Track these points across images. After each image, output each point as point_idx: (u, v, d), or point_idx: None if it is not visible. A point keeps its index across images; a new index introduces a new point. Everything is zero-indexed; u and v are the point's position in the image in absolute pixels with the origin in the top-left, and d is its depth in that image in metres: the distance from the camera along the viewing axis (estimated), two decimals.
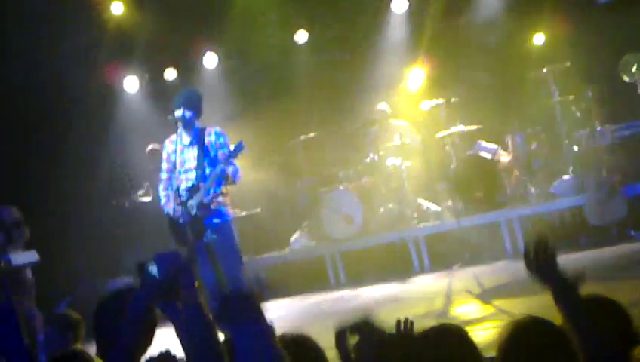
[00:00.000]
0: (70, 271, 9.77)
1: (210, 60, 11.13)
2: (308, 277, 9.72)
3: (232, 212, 7.05)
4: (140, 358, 2.62)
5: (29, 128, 10.10)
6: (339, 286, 9.42)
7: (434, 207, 9.78)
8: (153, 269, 2.29)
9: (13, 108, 9.92)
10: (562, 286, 2.24)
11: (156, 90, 11.17)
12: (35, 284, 8.00)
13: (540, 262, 2.27)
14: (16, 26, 9.69)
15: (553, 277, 2.24)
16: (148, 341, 2.81)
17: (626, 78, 8.34)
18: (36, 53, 9.81)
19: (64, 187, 10.22)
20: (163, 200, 6.98)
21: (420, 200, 9.89)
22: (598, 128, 9.03)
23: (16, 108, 9.95)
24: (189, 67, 11.29)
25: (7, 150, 9.82)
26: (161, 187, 7.04)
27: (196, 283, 2.38)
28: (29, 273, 7.99)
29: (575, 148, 9.39)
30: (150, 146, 9.41)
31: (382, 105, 10.33)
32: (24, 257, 7.93)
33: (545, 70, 9.61)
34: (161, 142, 7.26)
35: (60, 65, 10.00)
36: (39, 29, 9.74)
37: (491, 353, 2.12)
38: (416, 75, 10.79)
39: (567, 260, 2.11)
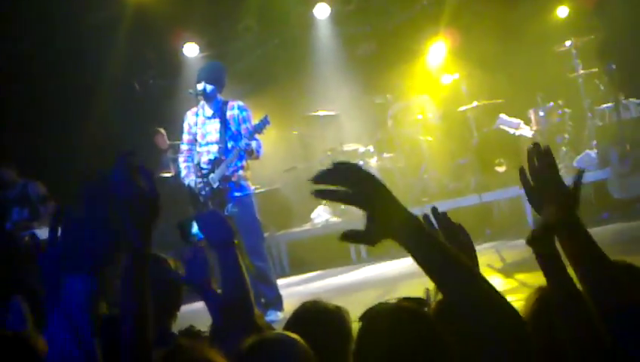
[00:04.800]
0: None
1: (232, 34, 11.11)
2: (329, 253, 9.71)
3: (252, 187, 7.07)
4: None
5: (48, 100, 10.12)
6: (360, 261, 9.42)
7: (453, 183, 9.74)
8: (194, 227, 2.37)
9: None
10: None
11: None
12: None
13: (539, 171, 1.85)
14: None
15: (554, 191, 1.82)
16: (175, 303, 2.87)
17: None
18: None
19: (81, 162, 10.24)
20: (184, 172, 7.00)
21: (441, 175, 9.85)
22: (623, 101, 8.91)
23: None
24: (210, 42, 11.24)
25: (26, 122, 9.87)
26: (181, 158, 7.06)
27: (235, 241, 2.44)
28: None
29: (599, 122, 9.28)
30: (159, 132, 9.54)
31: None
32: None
33: (568, 43, 9.49)
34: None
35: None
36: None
37: None
38: (437, 49, 10.69)
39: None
